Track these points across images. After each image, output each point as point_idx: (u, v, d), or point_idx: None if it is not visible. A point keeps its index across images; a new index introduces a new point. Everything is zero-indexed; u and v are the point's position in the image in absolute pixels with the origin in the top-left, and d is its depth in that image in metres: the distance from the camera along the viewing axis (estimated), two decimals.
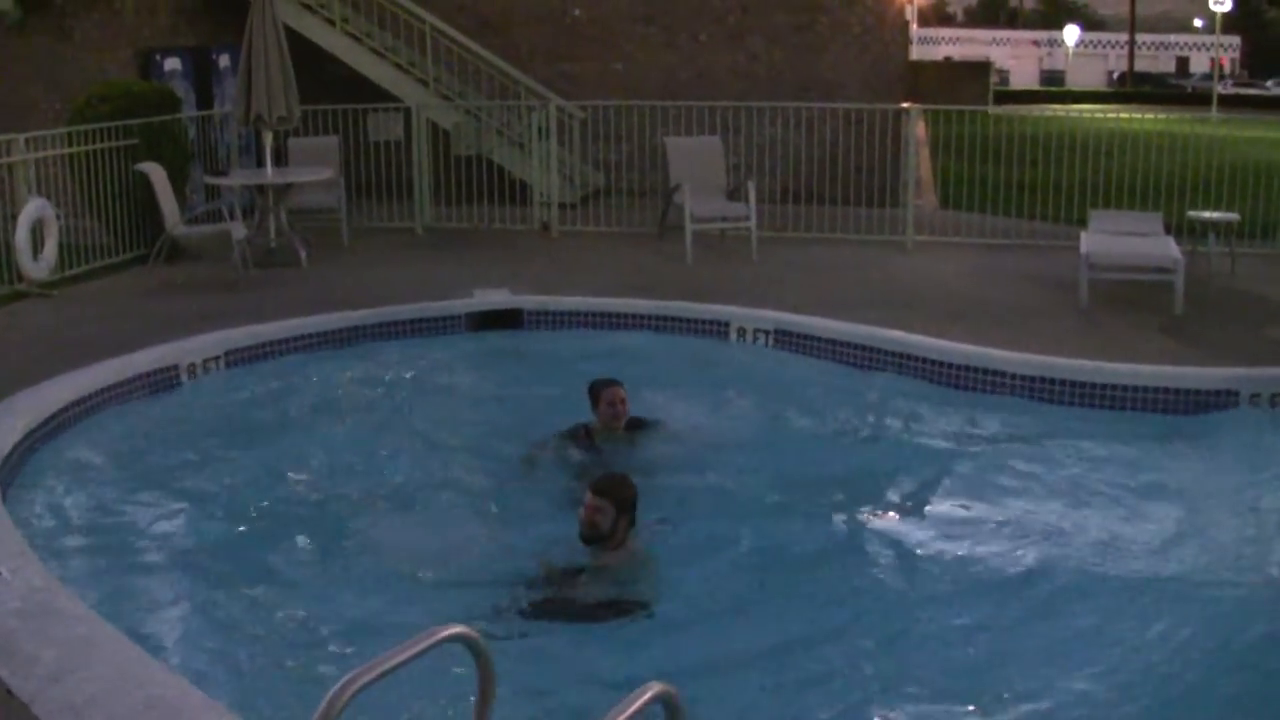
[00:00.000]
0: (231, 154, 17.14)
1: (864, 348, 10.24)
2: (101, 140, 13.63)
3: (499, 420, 9.29)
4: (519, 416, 9.24)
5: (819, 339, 10.54)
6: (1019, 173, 16.69)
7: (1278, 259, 14.26)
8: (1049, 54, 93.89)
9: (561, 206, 16.61)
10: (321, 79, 17.57)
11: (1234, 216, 13.71)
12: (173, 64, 17.19)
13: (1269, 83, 76.46)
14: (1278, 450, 8.34)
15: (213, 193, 15.49)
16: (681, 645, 6.04)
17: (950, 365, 9.76)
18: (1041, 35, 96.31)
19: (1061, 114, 31.69)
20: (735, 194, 15.20)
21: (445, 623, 3.36)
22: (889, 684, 5.79)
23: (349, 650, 5.73)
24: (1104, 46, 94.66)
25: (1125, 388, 9.15)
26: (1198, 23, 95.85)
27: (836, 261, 14.36)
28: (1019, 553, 7.08)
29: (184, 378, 9.75)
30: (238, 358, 10.17)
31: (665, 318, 11.24)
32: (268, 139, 14.71)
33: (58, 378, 8.98)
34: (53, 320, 11.59)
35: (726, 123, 17.18)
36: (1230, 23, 73.65)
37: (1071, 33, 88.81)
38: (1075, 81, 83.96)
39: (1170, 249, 11.97)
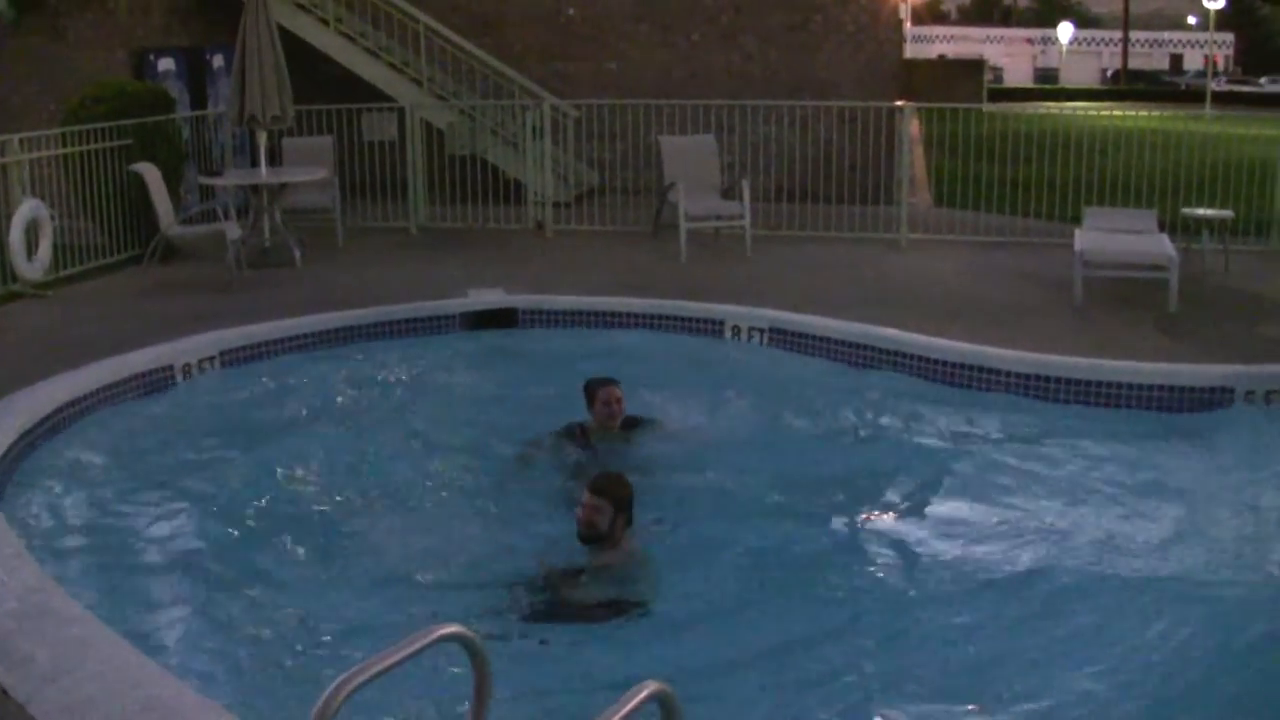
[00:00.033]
0: (226, 154, 17.12)
1: (859, 346, 10.26)
2: (96, 141, 13.62)
3: (494, 419, 9.28)
4: (514, 416, 9.23)
5: (814, 337, 10.55)
6: (1013, 170, 16.69)
7: (1272, 256, 14.28)
8: (1043, 52, 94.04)
9: (556, 205, 16.60)
10: (315, 79, 17.58)
11: (1228, 214, 13.72)
12: (166, 64, 17.18)
13: (1262, 80, 76.47)
14: (1273, 447, 8.35)
15: (207, 193, 15.48)
16: (679, 645, 6.04)
17: (945, 363, 9.77)
18: (1035, 33, 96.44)
19: (1055, 111, 31.63)
20: (730, 192, 15.23)
21: (441, 622, 3.36)
22: (887, 683, 5.77)
23: (345, 650, 5.72)
24: (1098, 44, 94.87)
25: (1121, 385, 9.16)
26: (1191, 20, 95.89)
27: (831, 260, 14.37)
28: (1015, 551, 7.07)
29: (179, 378, 9.75)
30: (232, 358, 10.17)
31: (660, 316, 11.25)
32: (262, 139, 14.69)
33: (53, 378, 8.97)
34: (47, 321, 11.58)
35: (721, 121, 17.20)
36: (1224, 20, 73.75)
37: (1065, 30, 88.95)
38: (1069, 79, 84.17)
39: (1164, 246, 11.98)
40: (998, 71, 79.09)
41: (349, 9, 18.79)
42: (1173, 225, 13.51)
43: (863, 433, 9.09)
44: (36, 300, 12.32)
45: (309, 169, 15.00)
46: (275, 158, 15.54)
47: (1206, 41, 74.57)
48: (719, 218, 14.97)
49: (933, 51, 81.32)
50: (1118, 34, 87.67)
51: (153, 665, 4.85)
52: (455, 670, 4.29)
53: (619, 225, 16.35)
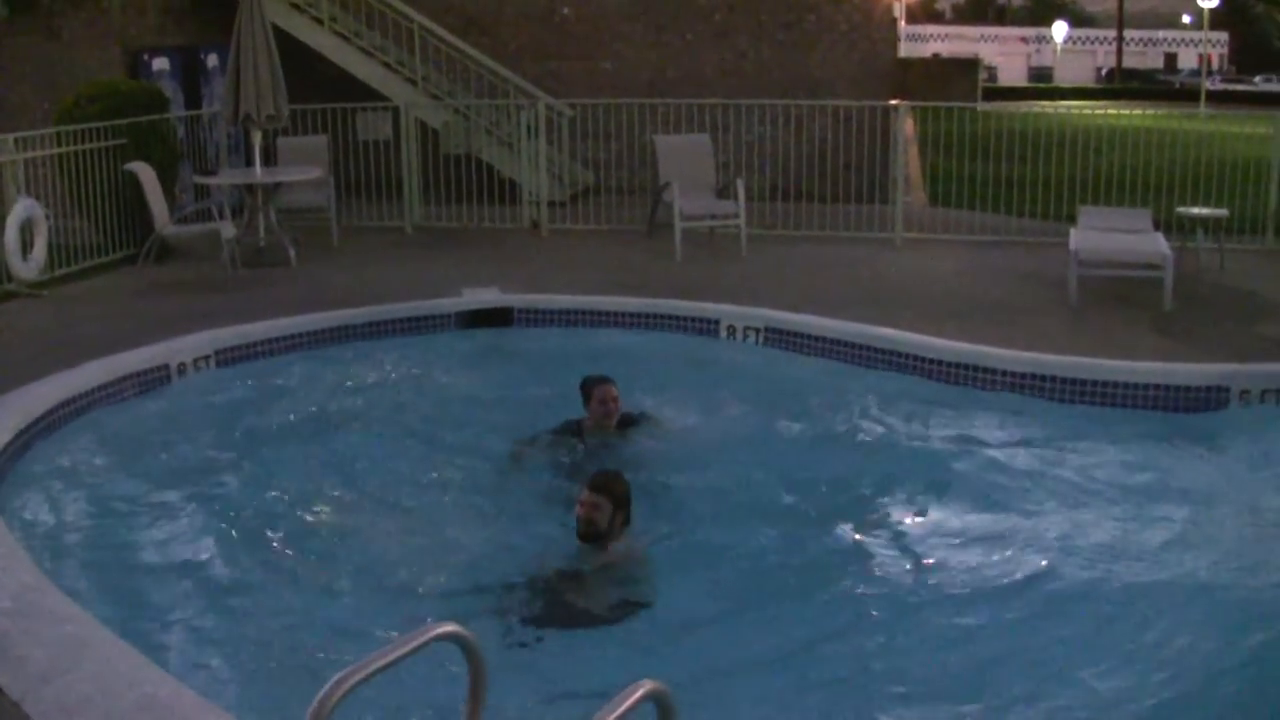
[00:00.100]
0: (220, 153, 17.13)
1: (854, 345, 10.26)
2: (90, 140, 13.60)
3: (489, 418, 9.28)
4: (509, 415, 9.22)
5: (809, 337, 10.55)
6: (1008, 169, 16.69)
7: (1266, 255, 14.29)
8: (1037, 50, 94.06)
9: (550, 205, 16.59)
10: (310, 78, 17.55)
11: (1223, 212, 13.73)
12: (161, 63, 17.17)
13: (1257, 78, 76.58)
14: (1268, 445, 8.36)
15: (202, 192, 15.48)
16: (677, 646, 6.03)
17: (940, 362, 9.78)
18: (1030, 32, 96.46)
19: (1050, 110, 31.71)
20: (724, 192, 15.22)
21: (437, 621, 3.36)
22: (886, 685, 5.76)
23: (341, 649, 5.71)
24: (1092, 43, 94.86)
25: (1116, 384, 9.16)
26: (1186, 19, 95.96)
27: (826, 259, 14.37)
28: (1013, 551, 7.07)
29: (174, 377, 9.76)
30: (228, 357, 10.18)
31: (655, 316, 11.25)
32: (256, 138, 14.69)
33: (48, 378, 8.97)
34: (42, 320, 11.57)
35: (715, 121, 17.21)
36: (1218, 19, 73.66)
37: (1060, 29, 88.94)
38: (1063, 78, 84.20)
39: (1159, 245, 11.99)
40: (992, 70, 79.08)
41: (343, 8, 18.77)
42: (1168, 224, 13.52)
43: (858, 432, 9.08)
44: (31, 300, 12.31)
45: (304, 168, 14.99)
46: (270, 157, 15.54)
47: (1201, 40, 74.57)
48: (714, 217, 14.96)
49: (927, 50, 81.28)
50: (1112, 33, 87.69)
51: (149, 664, 4.85)
52: (453, 670, 4.29)
53: (614, 225, 16.35)
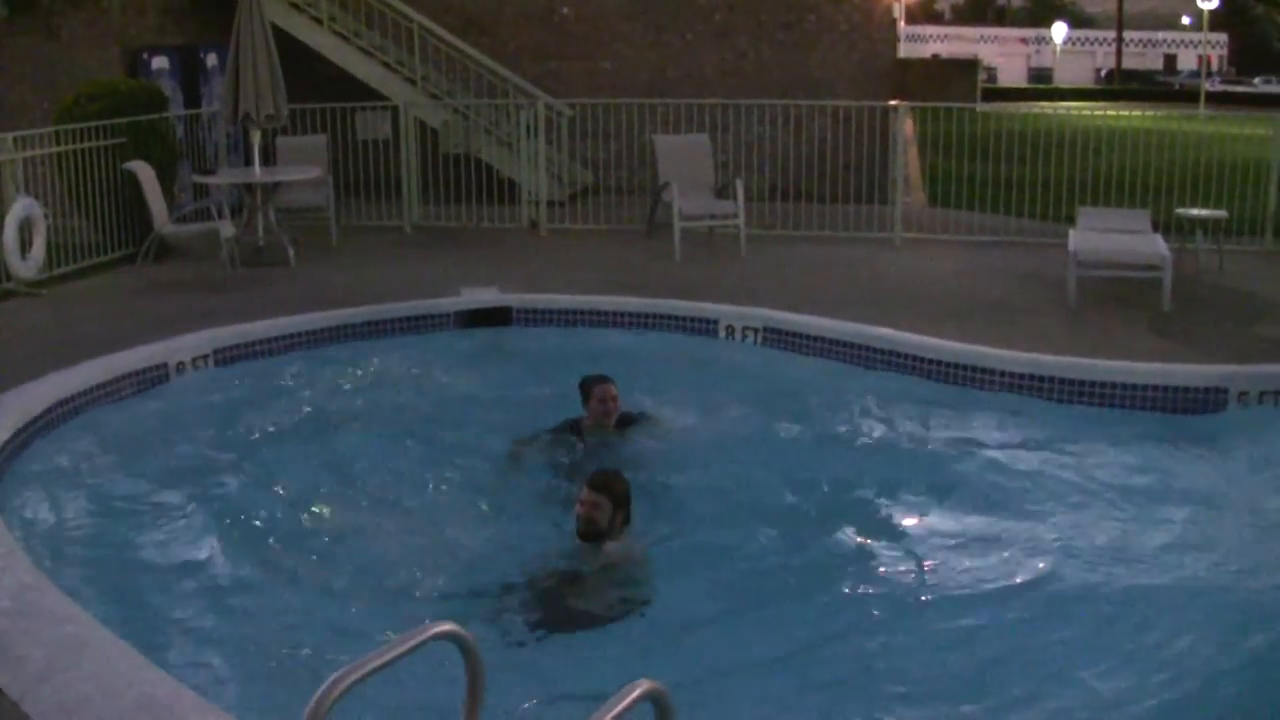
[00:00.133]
0: (219, 153, 17.13)
1: (853, 345, 10.27)
2: (89, 139, 13.61)
3: (488, 418, 9.27)
4: (508, 414, 9.22)
5: (808, 337, 10.55)
6: (1007, 170, 16.69)
7: (1265, 256, 14.29)
8: (1037, 51, 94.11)
9: (550, 204, 16.59)
10: (309, 78, 17.56)
11: (1222, 214, 13.73)
12: (160, 63, 17.16)
13: (1256, 80, 76.61)
14: (1266, 446, 8.36)
15: (201, 191, 15.48)
16: (675, 644, 6.03)
17: (939, 363, 9.78)
18: (1029, 33, 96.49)
19: (1049, 111, 31.64)
20: (723, 192, 15.21)
21: (435, 621, 3.35)
22: (885, 686, 5.76)
23: (338, 649, 5.71)
24: (1091, 44, 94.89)
25: (1115, 385, 9.17)
26: (1185, 20, 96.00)
27: (825, 259, 14.36)
28: (1011, 552, 7.06)
29: (173, 376, 9.76)
30: (226, 356, 10.18)
31: (654, 315, 11.25)
32: (256, 137, 14.69)
33: (46, 377, 8.97)
34: (41, 319, 11.56)
35: (715, 121, 17.21)
36: (1218, 20, 73.70)
37: (1059, 30, 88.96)
38: (1063, 79, 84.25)
39: (1158, 246, 11.98)
40: (992, 71, 79.10)
41: (343, 8, 18.78)
42: (1167, 225, 13.52)
43: (856, 432, 9.07)
44: (31, 299, 12.30)
45: (303, 168, 14.99)
46: (269, 156, 15.54)
47: (1200, 42, 74.62)
48: (713, 217, 14.96)
49: (927, 51, 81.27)
50: (1111, 34, 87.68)
51: (148, 664, 4.85)
52: (450, 670, 4.29)
53: (613, 224, 16.36)
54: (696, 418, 9.11)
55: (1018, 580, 6.72)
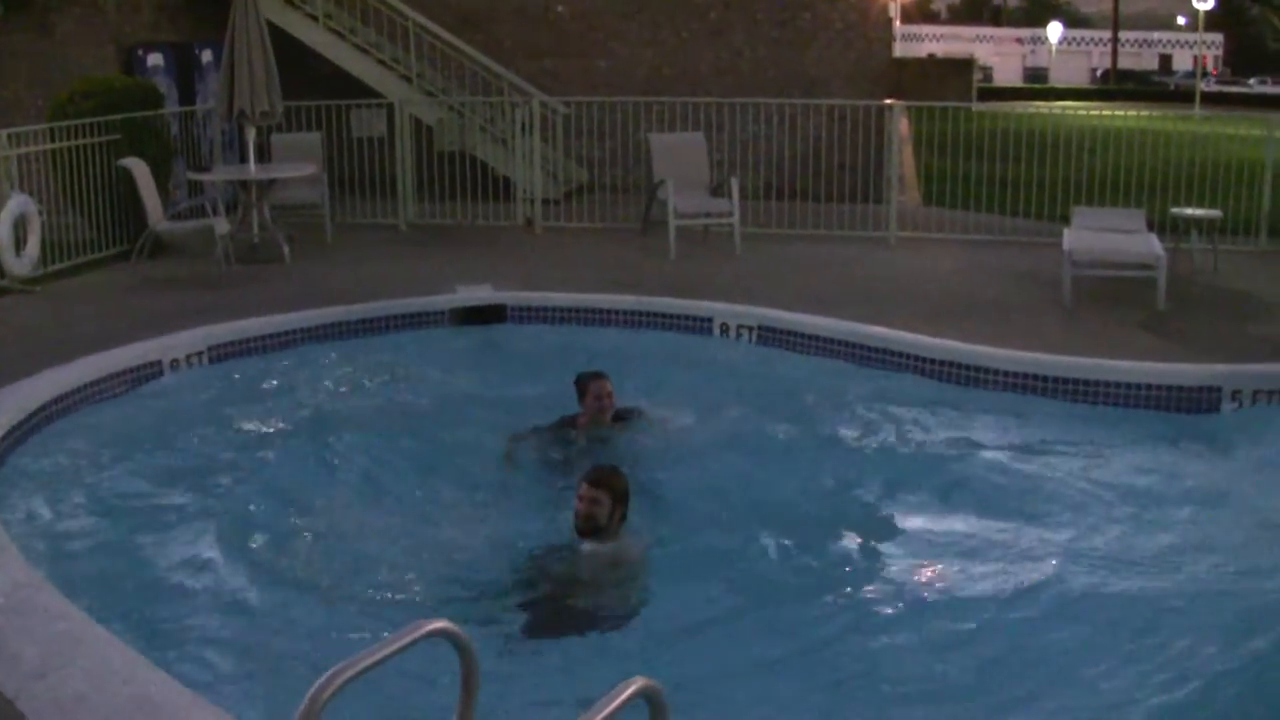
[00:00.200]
0: (214, 149, 17.11)
1: (847, 344, 10.28)
2: (84, 136, 13.59)
3: (483, 415, 9.27)
4: (503, 411, 9.22)
5: (802, 335, 10.57)
6: (1002, 169, 16.69)
7: (1259, 256, 14.30)
8: (1032, 51, 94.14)
9: (545, 202, 16.60)
10: (304, 75, 17.56)
11: (1216, 213, 13.73)
12: (155, 59, 17.15)
13: (1251, 80, 76.66)
14: (1260, 445, 8.37)
15: (196, 188, 15.47)
16: (671, 642, 6.02)
17: (934, 361, 9.79)
18: (1025, 32, 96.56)
19: (1045, 111, 31.65)
20: (719, 190, 15.20)
21: (429, 618, 3.35)
22: (885, 687, 5.76)
23: (334, 647, 5.70)
24: (1087, 44, 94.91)
25: (1109, 384, 9.18)
26: (1181, 20, 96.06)
27: (820, 258, 14.37)
28: (1006, 550, 7.06)
29: (167, 373, 9.76)
30: (221, 353, 10.18)
31: (649, 314, 11.26)
32: (251, 134, 14.68)
33: (41, 374, 8.97)
34: (36, 316, 11.55)
35: (710, 119, 17.21)
36: (1213, 20, 73.73)
37: (1055, 30, 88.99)
38: (1059, 78, 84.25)
39: (1153, 246, 11.99)
40: (987, 71, 79.14)
41: (338, 5, 18.76)
42: (1162, 225, 13.54)
43: (850, 430, 9.08)
44: (25, 296, 12.29)
45: (298, 165, 14.97)
46: (264, 153, 15.51)
47: (1195, 42, 74.70)
48: (708, 215, 14.96)
49: (922, 50, 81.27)
50: (1107, 34, 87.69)
51: (143, 661, 4.84)
52: (444, 667, 4.28)
53: (608, 222, 16.35)
54: (691, 415, 9.10)
55: (1017, 579, 6.71)
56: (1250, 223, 14.88)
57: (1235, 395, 8.90)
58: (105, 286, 12.82)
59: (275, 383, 9.99)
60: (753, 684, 5.71)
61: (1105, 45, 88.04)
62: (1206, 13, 61.69)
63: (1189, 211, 13.83)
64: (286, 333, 10.65)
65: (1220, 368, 9.20)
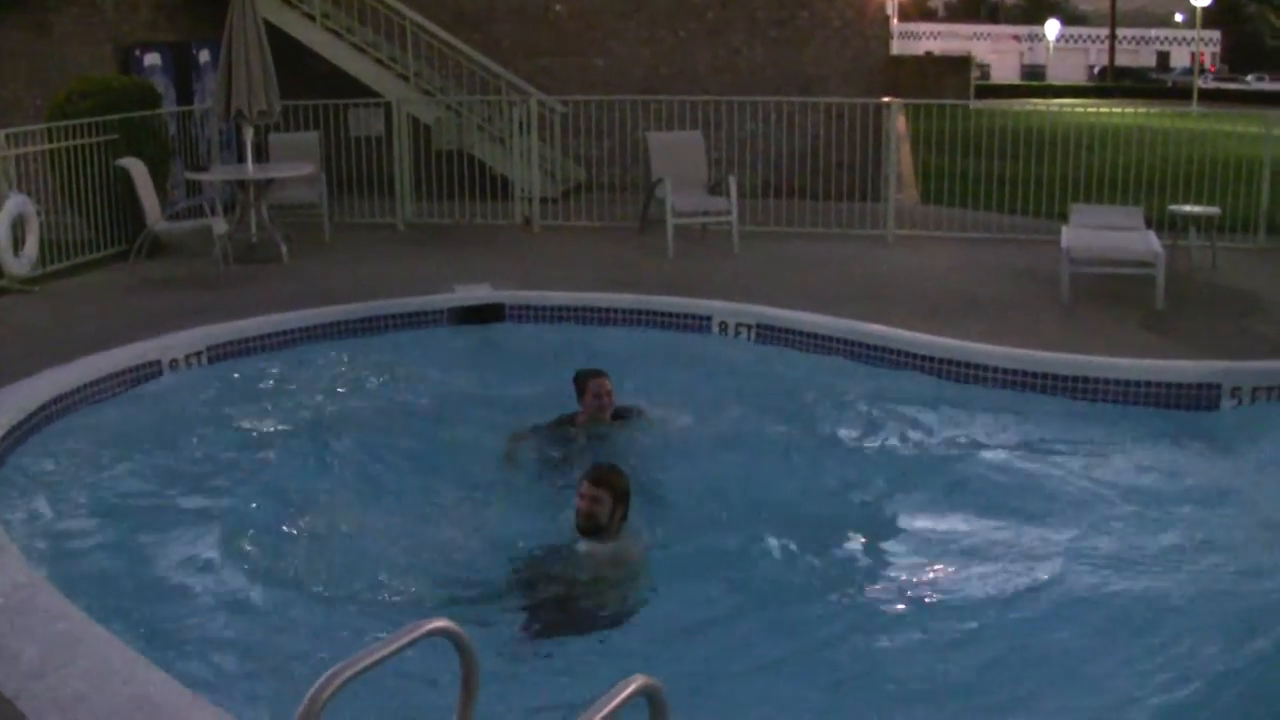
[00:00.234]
0: (212, 149, 17.11)
1: (845, 342, 10.28)
2: (82, 136, 13.59)
3: (482, 414, 9.27)
4: (502, 410, 9.22)
5: (801, 333, 10.56)
6: (1000, 167, 16.69)
7: (1258, 253, 14.30)
8: (1030, 49, 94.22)
9: (543, 201, 16.59)
10: (302, 74, 17.56)
11: (1215, 211, 13.73)
12: (153, 59, 17.14)
13: (1249, 77, 76.67)
14: (1259, 443, 8.36)
15: (193, 188, 15.47)
16: (671, 641, 6.01)
17: (932, 359, 9.79)
18: (1022, 30, 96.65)
19: (1042, 108, 31.68)
20: (716, 188, 15.20)
21: (429, 617, 3.35)
22: (885, 687, 5.75)
23: (334, 648, 5.70)
24: (1084, 41, 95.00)
25: (1108, 381, 9.18)
26: (1178, 17, 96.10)
27: (818, 256, 14.36)
28: (1005, 548, 7.05)
29: (166, 373, 9.76)
30: (220, 353, 10.18)
31: (647, 312, 11.26)
32: (248, 134, 14.68)
33: (39, 374, 8.97)
34: (34, 316, 11.55)
35: (708, 117, 17.20)
36: (1210, 17, 73.80)
37: (1052, 27, 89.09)
38: (1056, 76, 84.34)
39: (1151, 243, 11.99)
40: (985, 68, 79.26)
41: (335, 4, 18.75)
42: (1159, 222, 13.53)
43: (849, 428, 9.08)
44: (23, 296, 12.29)
45: (296, 164, 14.97)
46: (262, 153, 15.51)
47: (1193, 39, 74.73)
48: (706, 214, 14.95)
49: (920, 48, 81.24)
50: (1104, 31, 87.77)
51: (142, 661, 4.84)
52: (444, 667, 4.28)
53: (606, 221, 16.35)
54: (690, 413, 9.10)
55: (1017, 578, 6.69)
56: (1248, 220, 14.88)
57: (1235, 392, 8.90)
58: (104, 286, 12.82)
59: (274, 383, 9.99)
60: (753, 684, 5.70)
61: (1103, 42, 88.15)
62: (1204, 9, 61.79)
63: (1187, 209, 13.84)
64: (285, 332, 10.65)
65: (1219, 365, 9.20)
